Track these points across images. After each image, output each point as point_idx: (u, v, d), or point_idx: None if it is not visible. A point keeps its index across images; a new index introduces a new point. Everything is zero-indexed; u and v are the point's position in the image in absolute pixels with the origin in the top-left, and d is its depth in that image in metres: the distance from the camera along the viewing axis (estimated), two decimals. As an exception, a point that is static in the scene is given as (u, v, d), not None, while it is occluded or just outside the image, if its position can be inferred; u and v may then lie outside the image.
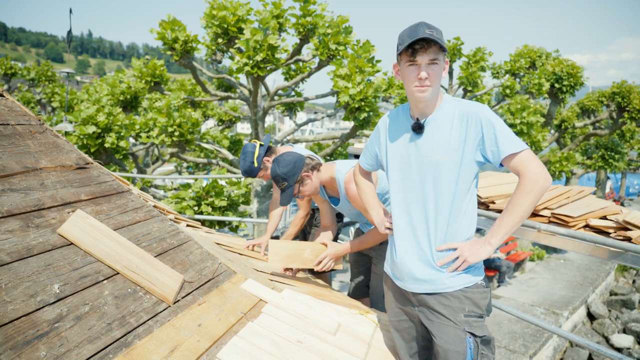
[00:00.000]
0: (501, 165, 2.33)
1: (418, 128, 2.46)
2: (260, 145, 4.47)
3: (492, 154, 2.31)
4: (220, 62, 12.87)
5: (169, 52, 12.34)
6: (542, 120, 16.65)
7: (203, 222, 10.04)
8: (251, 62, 10.86)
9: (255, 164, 4.40)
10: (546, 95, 18.86)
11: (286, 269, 3.96)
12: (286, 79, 15.68)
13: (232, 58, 12.27)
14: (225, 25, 11.58)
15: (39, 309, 1.93)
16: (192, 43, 12.34)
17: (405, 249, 2.56)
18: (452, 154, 2.37)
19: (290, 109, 17.51)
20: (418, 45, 2.28)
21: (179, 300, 2.49)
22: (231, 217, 10.00)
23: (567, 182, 22.57)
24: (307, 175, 3.65)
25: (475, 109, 2.36)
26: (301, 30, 11.88)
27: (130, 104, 15.14)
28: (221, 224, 11.42)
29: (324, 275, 4.67)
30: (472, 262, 2.39)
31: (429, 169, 2.42)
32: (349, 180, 3.54)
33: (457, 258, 2.41)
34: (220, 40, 11.95)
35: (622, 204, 26.57)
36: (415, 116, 2.50)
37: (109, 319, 2.09)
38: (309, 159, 3.73)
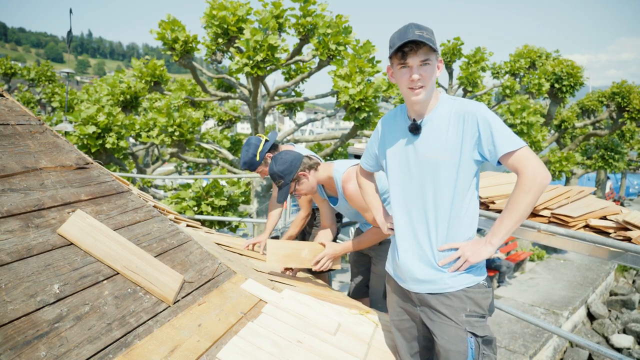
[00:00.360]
0: (499, 163, 2.33)
1: (415, 129, 2.45)
2: (266, 141, 4.46)
3: (489, 153, 2.30)
4: (220, 62, 12.88)
5: (168, 52, 12.35)
6: (542, 120, 16.64)
7: (203, 222, 10.04)
8: (251, 62, 10.87)
9: (258, 158, 4.38)
10: (546, 95, 18.86)
11: (286, 269, 3.97)
12: (286, 79, 15.69)
13: (232, 58, 12.27)
14: (225, 25, 11.58)
15: (39, 309, 1.93)
16: (192, 43, 12.35)
17: (405, 249, 2.56)
18: (450, 153, 2.36)
19: (290, 109, 17.51)
20: (407, 47, 2.28)
21: (179, 300, 2.49)
22: (231, 217, 10.01)
23: (567, 182, 22.59)
24: (303, 174, 3.67)
25: (472, 108, 2.35)
26: (301, 30, 11.88)
27: (130, 104, 15.15)
28: (221, 224, 11.43)
29: (323, 275, 4.67)
30: (474, 262, 2.38)
31: (428, 169, 2.42)
32: (346, 179, 3.55)
33: (459, 258, 2.41)
34: (220, 40, 11.96)
35: (622, 204, 26.57)
36: (412, 117, 2.49)
37: (109, 319, 2.09)
38: (306, 158, 3.75)
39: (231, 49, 11.97)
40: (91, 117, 11.84)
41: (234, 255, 3.93)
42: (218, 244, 4.13)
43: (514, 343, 9.44)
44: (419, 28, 2.27)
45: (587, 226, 3.82)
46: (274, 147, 4.51)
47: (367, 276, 4.21)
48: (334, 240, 4.20)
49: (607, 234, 3.63)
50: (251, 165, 4.43)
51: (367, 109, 11.08)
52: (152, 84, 14.51)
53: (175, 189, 15.22)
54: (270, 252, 3.71)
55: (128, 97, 14.86)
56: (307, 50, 12.55)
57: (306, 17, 11.65)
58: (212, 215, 10.74)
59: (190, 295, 2.60)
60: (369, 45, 11.59)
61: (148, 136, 13.28)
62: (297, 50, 12.53)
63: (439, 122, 2.41)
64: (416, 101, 2.37)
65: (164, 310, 2.36)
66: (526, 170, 2.20)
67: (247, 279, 3.06)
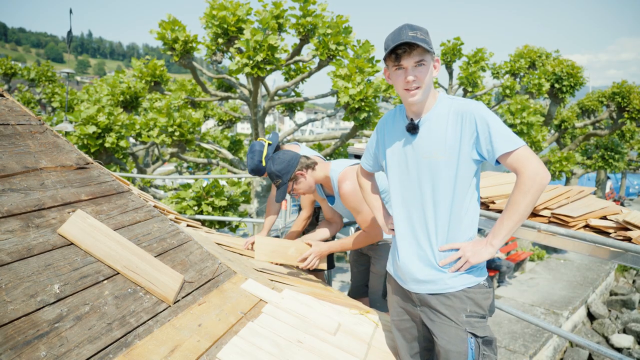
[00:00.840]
0: (498, 163, 2.32)
1: (412, 129, 2.45)
2: (269, 144, 4.46)
3: (488, 152, 2.28)
4: (220, 62, 12.87)
5: (169, 52, 12.34)
6: (542, 120, 16.64)
7: (203, 222, 10.04)
8: (251, 62, 10.86)
9: (264, 163, 4.38)
10: (546, 96, 18.86)
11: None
12: (286, 79, 15.69)
13: (231, 58, 12.27)
14: (225, 26, 11.58)
15: (39, 309, 1.93)
16: (192, 43, 12.34)
17: (405, 249, 2.56)
18: (448, 153, 2.35)
19: (290, 109, 17.53)
20: (401, 49, 2.27)
21: (179, 300, 2.49)
22: (231, 217, 10.01)
23: (567, 182, 22.57)
24: (301, 174, 3.71)
25: (470, 107, 2.34)
26: (301, 30, 11.87)
27: (130, 104, 15.15)
28: (221, 224, 11.43)
29: (320, 275, 4.68)
30: (474, 262, 2.37)
31: (426, 169, 2.41)
32: (342, 179, 3.59)
33: (460, 258, 2.40)
34: (220, 40, 11.95)
35: (622, 204, 26.56)
36: (410, 117, 2.49)
37: (109, 319, 2.09)
38: (304, 157, 3.78)
39: (231, 49, 11.97)
40: (91, 117, 11.84)
41: (234, 255, 3.93)
42: (218, 244, 4.13)
43: (514, 343, 9.44)
44: (413, 29, 2.27)
45: (587, 226, 3.82)
46: (277, 150, 4.50)
47: (366, 276, 4.21)
48: (333, 238, 4.24)
49: (607, 234, 3.63)
50: (258, 172, 4.43)
51: (367, 109, 11.08)
52: (152, 84, 14.51)
53: (175, 189, 15.23)
54: (258, 248, 3.83)
55: (128, 97, 14.87)
56: (307, 50, 12.55)
57: (306, 17, 11.64)
58: (213, 215, 10.74)
59: (191, 295, 2.60)
60: (368, 45, 11.59)
61: (148, 136, 13.28)
62: (297, 51, 12.53)
63: (437, 121, 2.40)
64: (412, 102, 2.37)
65: (164, 310, 2.36)
66: (525, 170, 2.19)
67: (247, 279, 3.06)
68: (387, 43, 2.32)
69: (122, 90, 14.70)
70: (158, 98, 15.08)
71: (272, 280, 3.42)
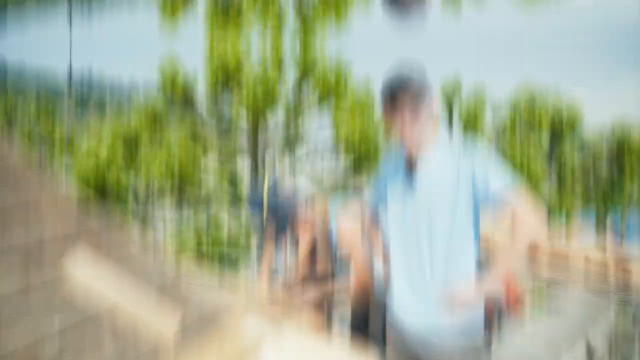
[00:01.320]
0: (495, 204, 2.30)
1: (409, 172, 2.45)
2: (269, 179, 4.49)
3: (484, 195, 2.28)
4: (220, 101, 12.95)
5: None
6: (542, 155, 16.68)
7: (204, 257, 9.99)
8: (251, 100, 10.93)
9: (265, 198, 4.40)
10: (546, 131, 18.93)
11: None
12: (286, 115, 15.78)
13: (232, 95, 12.36)
14: (226, 66, 11.67)
15: (38, 344, 1.92)
16: (191, 92, 12.44)
17: (401, 290, 2.54)
18: (445, 194, 2.35)
19: (290, 144, 17.58)
20: (392, 100, 2.30)
21: (178, 339, 2.47)
22: (232, 251, 9.98)
23: (567, 218, 22.52)
24: (300, 208, 3.73)
25: (468, 149, 2.35)
26: (301, 68, 11.97)
27: (131, 142, 15.19)
28: (222, 258, 11.38)
29: (321, 315, 4.68)
30: (463, 304, 2.34)
31: (423, 211, 2.40)
32: (338, 214, 3.59)
33: (451, 300, 2.37)
34: (219, 80, 12.04)
35: (621, 242, 26.45)
36: (408, 157, 2.49)
37: (107, 358, 2.07)
38: (304, 191, 3.80)
39: (231, 86, 12.06)
40: (92, 151, 11.88)
41: (234, 293, 3.91)
42: (219, 281, 4.12)
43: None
44: (403, 77, 2.30)
45: (587, 260, 3.82)
46: (277, 185, 4.52)
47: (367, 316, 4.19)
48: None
49: (606, 268, 3.63)
50: (259, 206, 4.44)
51: (367, 145, 11.10)
52: (153, 121, 14.57)
53: (175, 223, 15.20)
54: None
55: (129, 135, 14.92)
56: (307, 86, 12.63)
57: (306, 56, 11.75)
58: (213, 249, 10.71)
59: (190, 334, 2.58)
60: (368, 83, 11.69)
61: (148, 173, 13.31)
62: (297, 86, 12.62)
63: (435, 162, 2.40)
64: (408, 145, 2.39)
65: (162, 349, 2.34)
66: (519, 217, 2.19)
67: (248, 318, 3.04)
68: (381, 90, 2.36)
69: (123, 128, 14.77)
70: (158, 136, 15.15)
71: (273, 321, 3.40)
